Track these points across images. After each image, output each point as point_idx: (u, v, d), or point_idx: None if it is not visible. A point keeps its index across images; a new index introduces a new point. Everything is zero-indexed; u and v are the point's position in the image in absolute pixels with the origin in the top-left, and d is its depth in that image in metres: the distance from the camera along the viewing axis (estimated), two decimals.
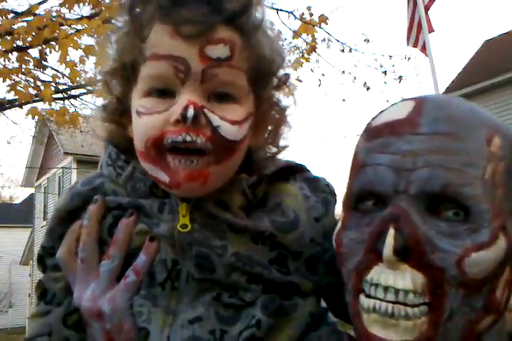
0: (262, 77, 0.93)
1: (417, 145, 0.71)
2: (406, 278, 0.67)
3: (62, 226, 0.98)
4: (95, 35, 5.13)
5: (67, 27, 5.28)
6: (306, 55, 8.10)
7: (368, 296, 0.73)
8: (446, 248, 0.67)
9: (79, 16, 5.73)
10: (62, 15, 5.49)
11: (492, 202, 0.68)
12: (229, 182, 0.92)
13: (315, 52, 8.01)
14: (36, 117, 6.36)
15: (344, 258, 0.78)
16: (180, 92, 0.85)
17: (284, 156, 1.04)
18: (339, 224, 0.82)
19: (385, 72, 8.83)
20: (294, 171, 1.05)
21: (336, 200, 1.03)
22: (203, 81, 0.85)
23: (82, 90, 6.76)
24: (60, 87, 6.87)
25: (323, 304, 1.05)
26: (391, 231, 0.67)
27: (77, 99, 7.36)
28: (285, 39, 8.24)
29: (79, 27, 5.43)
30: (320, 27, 7.65)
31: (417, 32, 7.92)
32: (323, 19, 7.58)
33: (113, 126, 1.00)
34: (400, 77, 8.84)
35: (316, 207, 0.99)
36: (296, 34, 7.85)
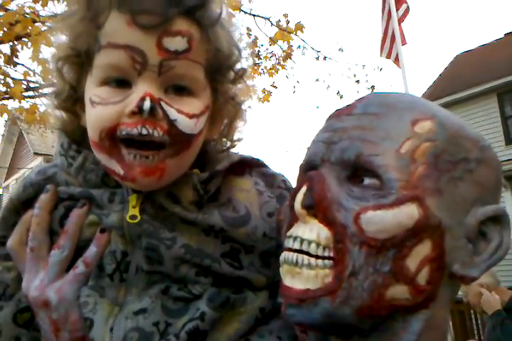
0: (219, 71, 0.93)
1: (346, 124, 0.80)
2: (313, 231, 0.74)
3: (14, 215, 0.97)
4: None
5: (40, 24, 5.21)
6: (281, 62, 8.17)
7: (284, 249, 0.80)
8: (350, 206, 0.73)
9: (53, 14, 5.66)
10: (36, 12, 5.41)
11: (405, 174, 0.73)
12: (181, 176, 0.91)
13: (290, 59, 8.08)
14: (5, 115, 6.24)
15: (281, 225, 0.84)
16: (137, 83, 0.84)
17: (240, 151, 1.05)
18: None
19: (358, 81, 8.97)
20: (251, 166, 1.05)
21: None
22: (160, 73, 0.84)
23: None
24: (31, 85, 6.76)
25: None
26: (303, 188, 0.76)
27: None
28: (262, 45, 8.30)
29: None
30: (296, 34, 7.72)
31: (390, 43, 8.08)
32: (299, 27, 7.65)
33: (66, 115, 0.98)
34: (373, 87, 8.99)
35: (269, 202, 0.99)
36: (273, 40, 7.91)
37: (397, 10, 7.98)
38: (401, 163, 0.74)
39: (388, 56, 8.06)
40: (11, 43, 5.63)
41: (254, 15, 7.82)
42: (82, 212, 0.92)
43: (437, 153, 0.76)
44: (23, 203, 0.97)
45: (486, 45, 17.88)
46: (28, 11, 5.27)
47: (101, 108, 0.85)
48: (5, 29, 5.17)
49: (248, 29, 8.19)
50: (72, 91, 0.94)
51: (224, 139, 1.03)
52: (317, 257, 0.74)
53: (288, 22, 7.79)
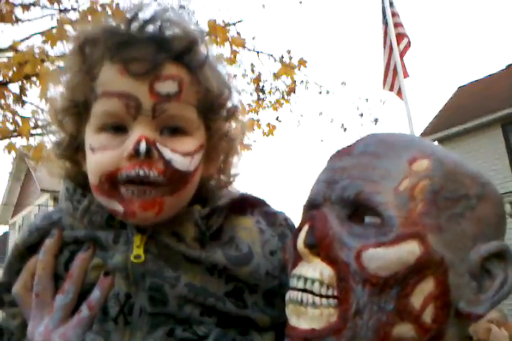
0: (212, 110, 0.97)
1: (346, 163, 0.82)
2: (316, 270, 0.74)
3: (19, 261, 0.98)
4: None
5: (49, 63, 5.33)
6: (285, 96, 8.27)
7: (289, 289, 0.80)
8: (351, 244, 0.73)
9: (62, 53, 5.80)
10: (45, 51, 5.55)
11: (404, 211, 0.74)
12: (182, 213, 0.94)
13: (294, 93, 8.19)
14: (13, 153, 6.31)
15: (287, 264, 0.84)
16: (133, 127, 0.88)
17: (241, 189, 1.09)
18: None
19: (361, 115, 9.04)
20: (253, 205, 1.07)
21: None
22: (154, 116, 0.88)
23: None
24: (39, 123, 6.85)
25: None
26: (305, 227, 0.77)
27: None
28: (266, 80, 8.43)
29: (61, 64, 5.49)
30: (299, 69, 7.85)
31: (392, 77, 8.20)
32: (302, 62, 7.79)
33: (68, 163, 1.01)
34: (376, 120, 9.05)
35: (271, 240, 1.00)
36: (276, 76, 8.04)
37: (398, 44, 8.14)
38: (400, 201, 0.75)
39: (391, 89, 8.17)
40: (19, 82, 5.75)
41: (257, 52, 7.98)
42: (86, 255, 0.93)
43: (436, 190, 0.76)
44: (27, 249, 0.98)
45: (488, 77, 18.09)
46: (37, 51, 5.40)
47: (100, 154, 0.89)
48: (14, 69, 5.30)
49: (252, 65, 8.35)
50: (72, 140, 0.99)
51: (222, 176, 1.06)
52: (321, 296, 0.74)
53: (291, 58, 7.94)
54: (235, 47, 6.96)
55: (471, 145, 14.77)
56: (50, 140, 1.04)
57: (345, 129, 9.04)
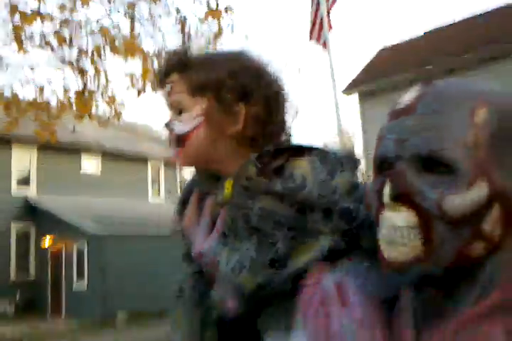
0: (203, 89, 1.29)
1: (410, 122, 0.92)
2: (403, 218, 0.89)
3: (181, 209, 1.44)
4: None
5: None
6: (211, 42, 8.08)
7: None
8: (431, 193, 0.86)
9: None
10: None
11: (473, 161, 0.85)
12: (243, 159, 1.28)
13: (219, 38, 8.01)
14: None
15: (369, 209, 0.99)
16: None
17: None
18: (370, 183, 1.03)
19: (285, 64, 9.04)
20: (310, 149, 1.29)
21: (344, 167, 1.23)
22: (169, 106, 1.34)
23: None
24: None
25: None
26: (388, 183, 0.89)
27: None
28: (190, 25, 8.14)
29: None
30: (226, 13, 7.66)
31: (319, 28, 8.25)
32: (228, 10, 7.60)
33: None
34: (299, 69, 9.11)
35: (321, 173, 1.22)
36: (202, 20, 7.81)
37: None
38: (468, 152, 0.85)
39: (318, 40, 8.22)
40: None
41: None
42: (211, 199, 1.35)
43: (494, 134, 0.86)
44: (184, 201, 1.46)
45: (406, 42, 18.70)
46: None
47: None
48: None
49: (177, 10, 8.03)
50: None
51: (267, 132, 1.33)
52: (409, 238, 0.88)
53: (217, 5, 7.70)
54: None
55: (388, 102, 15.32)
56: None
57: None
